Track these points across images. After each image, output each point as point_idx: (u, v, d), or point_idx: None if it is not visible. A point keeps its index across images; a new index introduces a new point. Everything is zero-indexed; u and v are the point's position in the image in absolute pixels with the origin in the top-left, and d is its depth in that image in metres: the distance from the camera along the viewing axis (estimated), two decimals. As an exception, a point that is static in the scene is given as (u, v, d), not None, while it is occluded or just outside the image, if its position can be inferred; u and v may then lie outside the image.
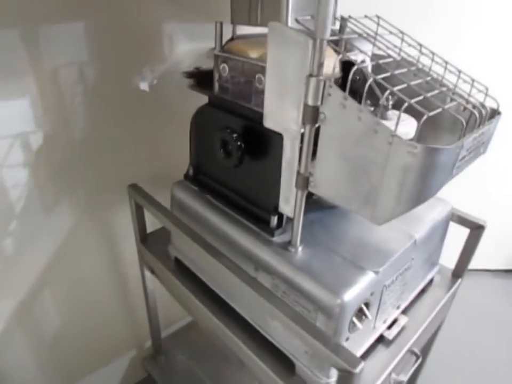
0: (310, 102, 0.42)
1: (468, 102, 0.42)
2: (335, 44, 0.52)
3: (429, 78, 0.46)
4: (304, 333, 0.45)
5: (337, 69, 0.54)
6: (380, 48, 0.47)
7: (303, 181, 0.46)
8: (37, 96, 0.59)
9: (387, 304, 0.55)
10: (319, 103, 0.41)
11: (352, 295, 0.46)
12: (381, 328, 0.58)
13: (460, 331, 1.23)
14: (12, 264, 0.66)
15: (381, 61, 0.44)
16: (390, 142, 0.37)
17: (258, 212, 0.55)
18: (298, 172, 0.46)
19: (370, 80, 0.39)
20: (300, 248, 0.51)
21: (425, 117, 0.35)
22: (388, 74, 0.42)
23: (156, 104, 0.74)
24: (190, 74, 0.60)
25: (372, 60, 0.48)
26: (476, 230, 0.63)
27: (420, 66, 0.48)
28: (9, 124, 0.59)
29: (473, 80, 0.47)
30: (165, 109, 0.75)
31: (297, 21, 0.46)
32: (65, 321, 0.78)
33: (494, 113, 0.45)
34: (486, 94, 0.46)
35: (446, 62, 0.49)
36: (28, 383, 0.76)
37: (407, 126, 0.44)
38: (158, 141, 0.77)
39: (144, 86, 0.71)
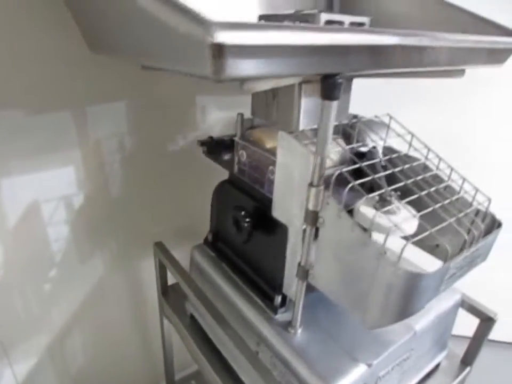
0: (310, 207, 0.45)
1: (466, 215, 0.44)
2: (348, 136, 0.56)
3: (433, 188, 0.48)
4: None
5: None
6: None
7: (303, 273, 0.50)
8: (80, 163, 0.68)
9: (384, 392, 0.56)
10: (318, 208, 0.45)
11: (342, 386, 0.48)
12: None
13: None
14: (49, 305, 0.74)
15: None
16: (378, 258, 0.40)
17: (265, 288, 0.59)
18: (299, 264, 0.50)
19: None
20: (299, 330, 0.54)
21: (427, 233, 0.38)
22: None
23: (187, 168, 0.81)
24: (202, 143, 0.66)
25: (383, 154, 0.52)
26: (486, 321, 0.63)
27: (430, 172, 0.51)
28: (56, 188, 0.67)
29: (476, 190, 0.49)
30: (194, 173, 0.82)
31: (303, 132, 0.50)
32: (89, 358, 0.85)
33: (494, 224, 0.46)
34: (487, 207, 0.48)
35: (452, 168, 0.51)
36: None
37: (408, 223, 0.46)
38: (186, 202, 0.83)
39: (176, 151, 0.78)
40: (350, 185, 0.42)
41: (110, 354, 0.88)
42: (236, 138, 0.60)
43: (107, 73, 0.65)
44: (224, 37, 0.25)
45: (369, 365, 0.50)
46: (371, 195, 0.43)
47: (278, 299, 0.56)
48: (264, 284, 0.59)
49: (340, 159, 0.56)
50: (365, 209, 0.48)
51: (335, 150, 0.53)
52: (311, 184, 0.45)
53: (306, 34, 0.28)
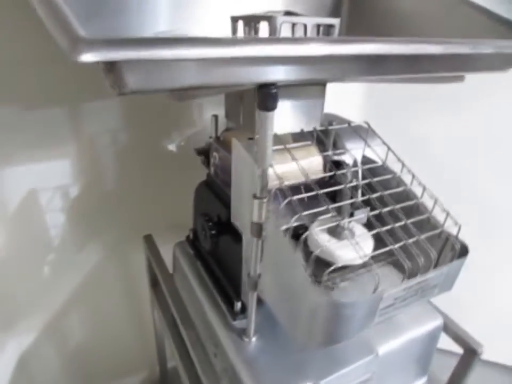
0: (254, 219, 0.44)
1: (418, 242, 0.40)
2: (321, 141, 0.53)
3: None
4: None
5: (320, 168, 0.55)
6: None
7: (253, 283, 0.49)
8: (76, 157, 0.71)
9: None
10: (262, 221, 0.44)
11: (283, 404, 0.47)
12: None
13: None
14: (47, 286, 0.80)
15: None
16: (303, 281, 0.38)
17: (229, 292, 0.58)
18: (248, 274, 0.49)
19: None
20: (253, 339, 0.53)
21: (361, 260, 0.35)
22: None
23: (183, 163, 0.82)
24: (199, 152, 0.66)
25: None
26: (469, 353, 0.58)
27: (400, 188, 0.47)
28: (53, 178, 0.71)
29: (447, 213, 0.45)
30: (191, 168, 0.82)
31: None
32: (87, 337, 0.91)
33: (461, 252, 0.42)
34: (457, 233, 0.43)
35: (424, 187, 0.47)
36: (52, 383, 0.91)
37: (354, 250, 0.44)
38: (182, 196, 0.84)
39: (172, 147, 0.79)
40: (287, 200, 0.40)
41: (107, 337, 0.93)
42: (211, 140, 0.60)
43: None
44: (91, 56, 0.25)
45: (315, 385, 0.48)
46: (307, 212, 0.40)
47: (238, 305, 0.56)
48: (229, 288, 0.59)
49: (313, 167, 0.53)
50: (316, 227, 0.46)
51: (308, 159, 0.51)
52: (254, 196, 0.43)
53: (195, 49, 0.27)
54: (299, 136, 0.52)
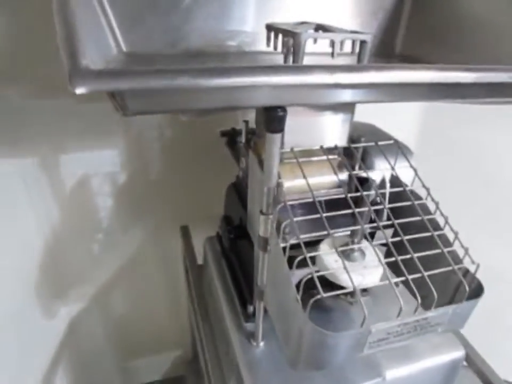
0: (260, 233, 0.45)
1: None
2: (350, 156, 0.52)
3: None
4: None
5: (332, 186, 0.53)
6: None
7: (259, 293, 0.50)
8: (124, 148, 0.77)
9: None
10: (267, 235, 0.44)
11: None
12: None
13: None
14: (95, 262, 0.89)
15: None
16: (293, 302, 0.38)
17: (245, 295, 0.60)
18: (256, 283, 0.50)
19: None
20: (261, 344, 0.55)
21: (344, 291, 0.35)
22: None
23: (225, 159, 0.84)
24: (223, 133, 0.68)
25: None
26: (490, 390, 0.54)
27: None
28: (103, 165, 0.78)
29: (466, 249, 0.42)
30: (230, 164, 0.85)
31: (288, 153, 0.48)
32: (128, 312, 0.99)
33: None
34: (475, 272, 0.41)
35: (446, 220, 0.44)
36: (96, 350, 1.02)
37: (362, 276, 0.43)
38: (219, 189, 0.87)
39: (215, 143, 0.81)
40: (286, 222, 0.41)
41: (146, 314, 1.01)
42: (241, 145, 0.61)
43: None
44: (84, 88, 0.27)
45: (311, 401, 0.49)
46: (306, 236, 0.40)
47: (251, 308, 0.58)
48: (245, 290, 0.61)
49: (332, 181, 0.52)
50: (325, 245, 0.45)
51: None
52: (261, 211, 0.44)
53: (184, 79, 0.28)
54: (329, 151, 0.51)
